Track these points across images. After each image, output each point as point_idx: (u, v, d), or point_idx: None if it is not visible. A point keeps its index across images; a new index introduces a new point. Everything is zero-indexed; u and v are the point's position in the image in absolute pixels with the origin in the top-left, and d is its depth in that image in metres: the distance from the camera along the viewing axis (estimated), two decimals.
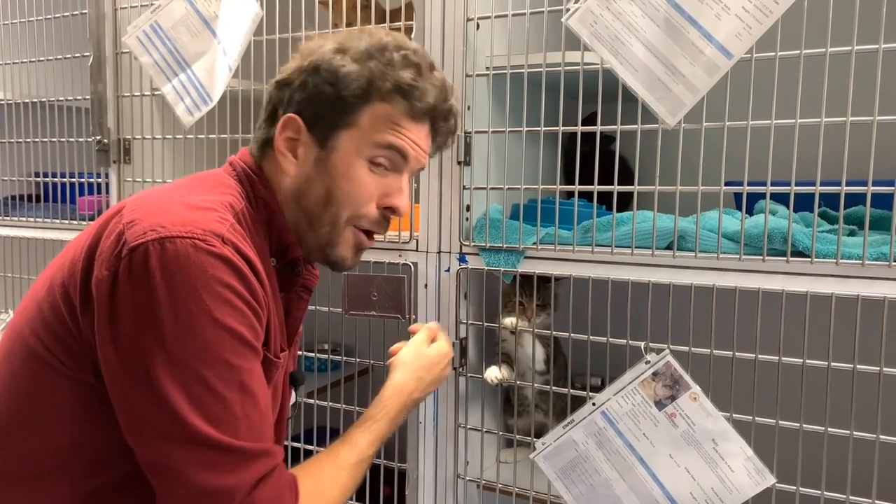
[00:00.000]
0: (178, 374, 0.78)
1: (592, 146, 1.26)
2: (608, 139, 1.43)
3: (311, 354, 1.57)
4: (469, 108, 1.33)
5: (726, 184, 1.16)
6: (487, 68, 1.34)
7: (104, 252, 0.82)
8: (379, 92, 0.92)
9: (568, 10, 1.16)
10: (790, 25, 1.06)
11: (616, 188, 1.21)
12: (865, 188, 1.04)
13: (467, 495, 1.42)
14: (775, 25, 1.05)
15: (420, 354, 1.13)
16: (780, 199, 1.22)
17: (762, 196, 1.14)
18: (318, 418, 1.53)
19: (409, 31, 1.36)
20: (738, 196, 1.41)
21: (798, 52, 1.06)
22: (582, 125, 1.24)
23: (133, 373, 0.79)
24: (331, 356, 1.57)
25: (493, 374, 1.37)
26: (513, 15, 1.26)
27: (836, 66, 1.04)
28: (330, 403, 1.50)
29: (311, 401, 1.51)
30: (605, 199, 1.34)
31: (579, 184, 1.24)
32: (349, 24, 1.60)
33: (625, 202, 1.47)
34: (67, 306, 0.85)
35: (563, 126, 1.25)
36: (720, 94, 1.10)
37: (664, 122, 1.13)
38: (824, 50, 1.05)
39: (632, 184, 1.22)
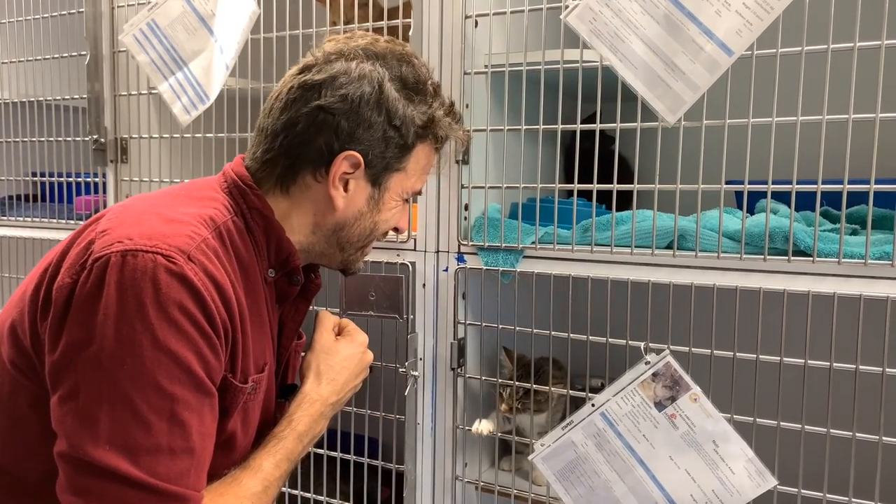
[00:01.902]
0: (106, 392, 0.74)
1: (594, 145, 1.25)
2: (609, 138, 1.42)
3: None
4: (467, 106, 1.32)
5: (727, 182, 1.15)
6: (486, 66, 1.33)
7: (71, 259, 0.81)
8: (428, 135, 0.97)
9: (567, 7, 1.15)
10: (792, 22, 1.04)
11: (615, 186, 1.19)
12: (868, 187, 1.03)
13: (465, 497, 1.41)
14: (776, 22, 1.04)
15: (330, 351, 1.05)
16: (782, 197, 1.21)
17: (764, 195, 1.13)
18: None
19: (406, 28, 1.35)
20: (739, 195, 1.40)
21: (799, 48, 1.05)
22: (583, 124, 1.23)
23: (66, 384, 0.77)
24: None
25: (485, 427, 1.37)
26: (511, 12, 1.25)
27: (838, 62, 1.03)
28: None
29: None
30: (605, 198, 1.33)
31: (580, 183, 1.23)
32: (347, 22, 1.59)
33: (625, 201, 1.46)
34: (32, 312, 0.84)
35: (562, 125, 1.24)
36: (721, 92, 1.09)
37: (664, 119, 1.12)
38: (826, 47, 1.03)
39: (632, 183, 1.21)
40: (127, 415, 0.74)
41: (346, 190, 0.94)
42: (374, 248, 1.39)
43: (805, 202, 1.20)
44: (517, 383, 1.34)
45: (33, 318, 0.84)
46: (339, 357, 1.05)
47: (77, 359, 0.76)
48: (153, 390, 0.75)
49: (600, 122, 1.23)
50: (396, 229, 1.04)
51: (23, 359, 0.85)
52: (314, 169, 0.93)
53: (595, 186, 1.23)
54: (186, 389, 0.78)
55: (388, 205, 0.98)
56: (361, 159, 0.92)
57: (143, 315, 0.75)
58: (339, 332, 1.09)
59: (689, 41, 1.09)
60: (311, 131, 0.91)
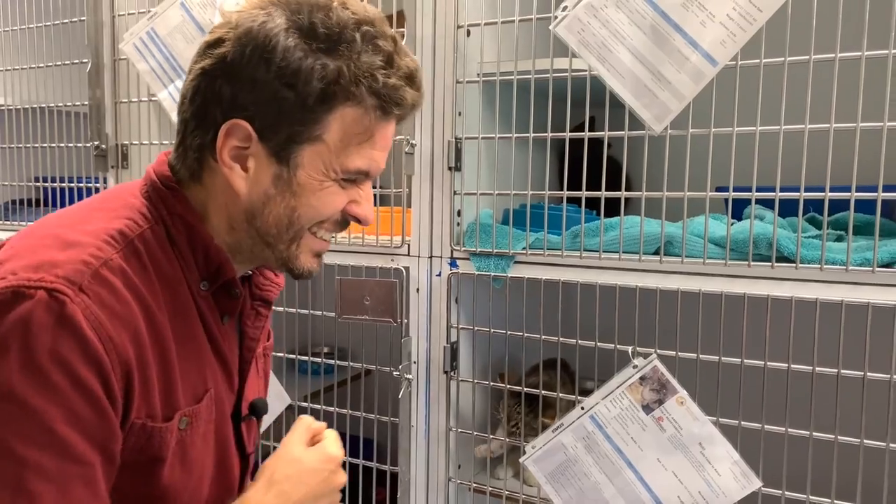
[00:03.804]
0: None
1: (588, 151, 1.27)
2: (604, 145, 1.44)
3: (305, 358, 1.58)
4: (460, 114, 1.35)
5: (717, 189, 1.17)
6: (478, 75, 1.36)
7: None
8: (347, 94, 0.76)
9: (556, 17, 1.17)
10: (775, 33, 1.07)
11: (603, 194, 1.22)
12: (848, 195, 1.05)
13: (459, 498, 1.43)
14: (759, 33, 1.06)
15: (292, 460, 0.87)
16: (771, 204, 1.23)
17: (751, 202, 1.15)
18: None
19: (400, 38, 1.37)
20: (732, 201, 1.42)
21: (782, 59, 1.07)
22: (576, 131, 1.25)
23: None
24: (324, 360, 1.58)
25: (495, 446, 1.41)
26: (502, 22, 1.28)
27: (820, 73, 1.05)
28: (323, 407, 1.51)
29: (304, 404, 1.53)
30: (600, 203, 1.34)
31: (575, 189, 1.25)
32: None
33: (618, 208, 1.47)
34: None
35: (553, 132, 1.27)
36: (707, 101, 1.11)
37: (651, 128, 1.14)
38: (808, 57, 1.06)
39: (627, 188, 1.23)
40: None
41: (244, 168, 0.79)
42: (367, 252, 1.42)
43: (794, 209, 1.22)
44: (522, 393, 1.37)
45: None
46: (300, 468, 0.86)
47: None
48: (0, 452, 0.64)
49: (594, 129, 1.25)
50: (358, 220, 0.84)
51: None
52: (211, 148, 0.78)
53: (584, 193, 1.25)
54: (45, 454, 0.65)
55: (307, 186, 0.79)
56: (249, 128, 0.76)
57: (4, 362, 0.65)
58: (314, 442, 0.91)
59: (675, 51, 1.11)
60: (197, 101, 0.78)
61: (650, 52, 1.13)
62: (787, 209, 1.16)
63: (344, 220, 0.85)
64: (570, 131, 1.24)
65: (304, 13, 0.75)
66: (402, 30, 1.36)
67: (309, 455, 0.88)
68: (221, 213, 0.82)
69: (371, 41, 0.77)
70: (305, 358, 1.58)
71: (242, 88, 0.76)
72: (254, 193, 0.79)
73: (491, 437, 1.39)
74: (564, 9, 1.17)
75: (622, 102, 1.15)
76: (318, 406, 1.52)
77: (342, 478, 0.90)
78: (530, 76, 1.26)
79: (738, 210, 1.34)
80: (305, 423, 0.92)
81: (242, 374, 0.90)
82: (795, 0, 1.04)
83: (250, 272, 0.91)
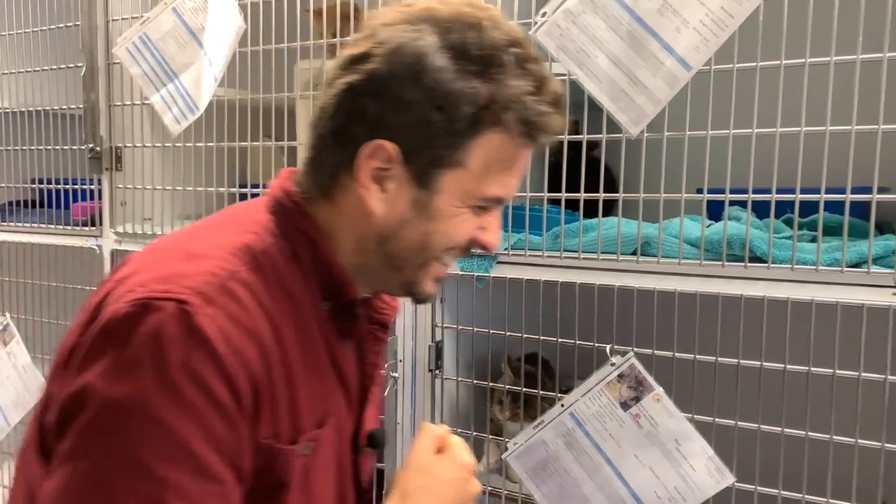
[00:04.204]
0: (81, 470, 0.63)
1: (577, 154, 1.29)
2: (591, 145, 1.46)
3: None
4: None
5: (695, 191, 1.20)
6: None
7: (84, 314, 0.71)
8: (496, 120, 0.73)
9: (536, 23, 1.20)
10: (747, 38, 1.09)
11: (582, 195, 1.24)
12: (818, 196, 1.07)
13: None
14: (732, 38, 1.09)
15: (425, 471, 0.83)
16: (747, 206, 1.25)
17: (731, 203, 1.17)
18: None
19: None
20: (710, 202, 1.45)
21: (754, 64, 1.09)
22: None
23: (54, 456, 0.66)
24: None
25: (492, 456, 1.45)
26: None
27: (791, 77, 1.08)
28: None
29: None
30: (588, 205, 1.35)
31: (565, 190, 1.27)
32: (333, 36, 1.64)
33: (607, 208, 1.49)
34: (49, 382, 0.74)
35: None
36: (683, 104, 1.14)
37: (627, 131, 1.17)
38: (779, 62, 1.08)
39: (618, 191, 1.25)
40: (97, 499, 0.62)
41: (383, 190, 0.75)
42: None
43: (770, 210, 1.24)
44: (511, 387, 1.40)
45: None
46: (435, 480, 0.82)
47: (66, 428, 0.65)
48: (137, 472, 0.62)
49: (578, 132, 1.28)
50: (484, 246, 0.82)
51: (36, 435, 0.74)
52: (349, 166, 0.75)
53: (563, 195, 1.27)
54: (184, 474, 0.63)
55: (443, 212, 0.76)
56: (394, 151, 0.73)
57: (138, 377, 0.63)
58: (441, 450, 0.86)
59: (650, 56, 1.14)
60: (339, 118, 0.75)
61: (627, 56, 1.16)
62: (765, 210, 1.18)
63: (468, 247, 0.82)
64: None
65: (455, 32, 0.72)
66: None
67: (441, 464, 0.84)
68: (350, 234, 0.79)
69: (521, 65, 0.74)
70: None
71: (389, 108, 0.73)
72: (390, 216, 0.76)
73: (490, 438, 1.42)
74: (544, 14, 1.20)
75: (599, 106, 1.17)
76: None
77: (477, 486, 0.87)
78: None
79: (717, 211, 1.36)
80: (430, 431, 0.87)
81: (362, 402, 0.85)
82: (767, 6, 1.07)
83: (367, 296, 0.87)
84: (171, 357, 0.64)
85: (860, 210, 1.18)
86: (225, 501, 0.66)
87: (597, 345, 1.23)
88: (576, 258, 1.26)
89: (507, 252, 1.32)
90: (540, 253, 1.30)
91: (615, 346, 1.21)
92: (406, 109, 0.73)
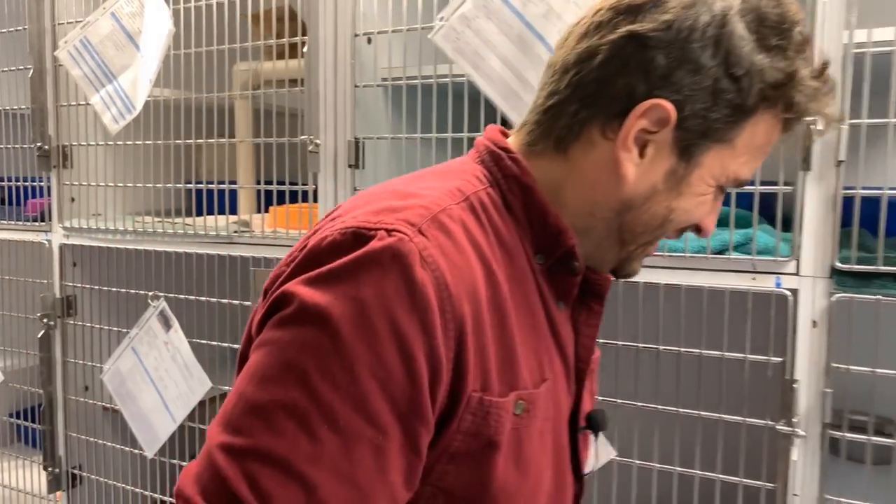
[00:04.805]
0: (251, 360, 0.62)
1: None
2: None
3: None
4: (361, 116, 1.45)
5: None
6: (384, 79, 1.46)
7: (295, 248, 0.68)
8: (776, 101, 0.68)
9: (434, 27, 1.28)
10: None
11: None
12: None
13: None
14: None
15: None
16: None
17: None
18: None
19: (304, 44, 1.48)
20: None
21: None
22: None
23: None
24: None
25: None
26: (392, 31, 1.38)
27: None
28: None
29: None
30: None
31: None
32: (277, 36, 1.72)
33: None
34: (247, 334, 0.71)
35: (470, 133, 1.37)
36: None
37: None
38: None
39: None
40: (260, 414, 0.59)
41: (641, 155, 0.68)
42: (280, 245, 1.53)
43: None
44: None
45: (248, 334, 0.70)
46: None
47: (261, 346, 0.62)
48: (294, 377, 0.59)
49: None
50: (698, 229, 0.75)
51: None
52: (605, 121, 0.68)
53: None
54: (339, 398, 0.58)
55: (694, 188, 0.69)
56: (673, 114, 0.66)
57: (334, 292, 0.59)
58: None
59: (537, 58, 1.22)
60: (613, 66, 0.67)
61: (517, 59, 1.23)
62: None
63: (686, 229, 0.75)
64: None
65: None
66: (304, 38, 1.46)
67: None
68: (582, 194, 0.71)
69: (806, 45, 0.68)
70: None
71: (682, 67, 0.65)
72: (640, 184, 0.69)
73: None
74: (442, 19, 1.27)
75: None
76: None
77: None
78: (418, 81, 1.37)
79: None
80: None
81: (580, 377, 0.78)
82: None
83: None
84: (367, 277, 0.59)
85: (767, 204, 1.26)
86: (379, 452, 0.59)
87: None
88: None
89: None
90: None
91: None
92: (698, 72, 0.65)
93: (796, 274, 1.09)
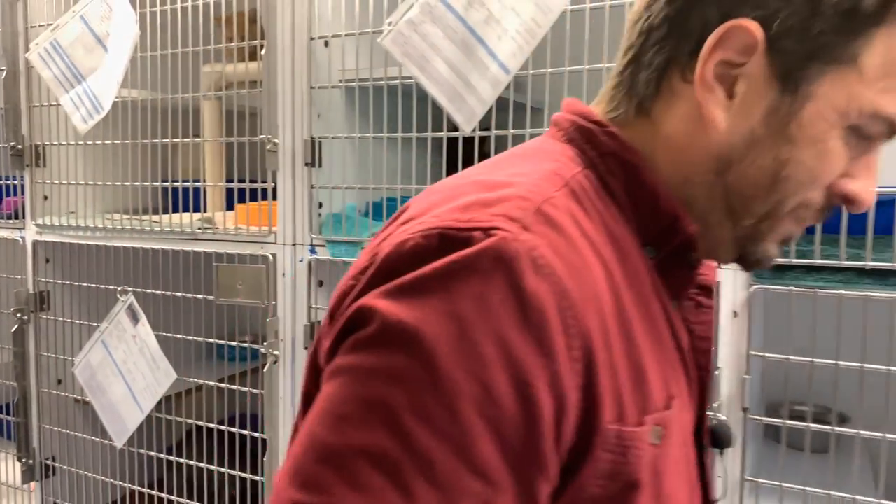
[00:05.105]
0: (324, 390, 0.50)
1: (469, 150, 1.41)
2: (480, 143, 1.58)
3: (223, 343, 1.74)
4: (319, 115, 1.50)
5: None
6: (341, 81, 1.51)
7: (361, 259, 0.56)
8: None
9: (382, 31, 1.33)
10: (559, 46, 1.23)
11: None
12: None
13: None
14: (545, 45, 1.22)
15: None
16: None
17: None
18: (240, 406, 1.70)
19: (262, 47, 1.53)
20: None
21: (563, 69, 1.23)
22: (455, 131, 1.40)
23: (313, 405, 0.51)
24: (252, 345, 1.73)
25: None
26: (346, 35, 1.44)
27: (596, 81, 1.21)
28: (229, 387, 1.67)
29: (223, 385, 1.68)
30: None
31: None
32: (243, 38, 1.77)
33: None
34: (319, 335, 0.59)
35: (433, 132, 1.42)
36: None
37: (463, 129, 1.30)
38: (583, 67, 1.22)
39: None
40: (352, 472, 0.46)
41: (730, 95, 0.56)
42: (238, 241, 1.58)
43: None
44: None
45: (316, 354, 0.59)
46: None
47: (334, 376, 0.50)
48: (379, 415, 0.47)
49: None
50: (851, 200, 0.58)
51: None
52: (684, 64, 0.57)
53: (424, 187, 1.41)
54: (438, 443, 0.46)
55: (808, 131, 0.54)
56: (759, 34, 0.53)
57: (419, 307, 0.47)
58: None
59: (479, 62, 1.27)
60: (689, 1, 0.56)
61: (461, 62, 1.29)
62: None
63: (827, 205, 0.59)
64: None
65: None
66: (263, 41, 1.52)
67: None
68: (675, 157, 0.59)
69: None
70: (223, 342, 1.74)
71: None
72: (735, 130, 0.56)
73: None
74: (390, 24, 1.33)
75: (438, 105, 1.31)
76: (239, 387, 1.67)
77: None
78: (377, 82, 1.42)
79: None
80: None
81: (703, 386, 0.66)
82: (573, 18, 1.20)
83: None
84: (465, 289, 0.47)
85: None
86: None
87: None
88: None
89: (370, 238, 1.45)
90: None
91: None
92: None
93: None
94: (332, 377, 0.50)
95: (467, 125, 1.29)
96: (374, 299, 0.49)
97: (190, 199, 1.79)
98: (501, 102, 1.30)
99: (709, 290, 0.68)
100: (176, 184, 1.70)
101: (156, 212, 1.94)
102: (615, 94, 0.62)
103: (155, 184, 1.74)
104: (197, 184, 1.69)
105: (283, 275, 1.55)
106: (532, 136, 1.27)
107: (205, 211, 1.82)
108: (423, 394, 0.46)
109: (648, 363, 0.55)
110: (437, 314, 0.47)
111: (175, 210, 1.87)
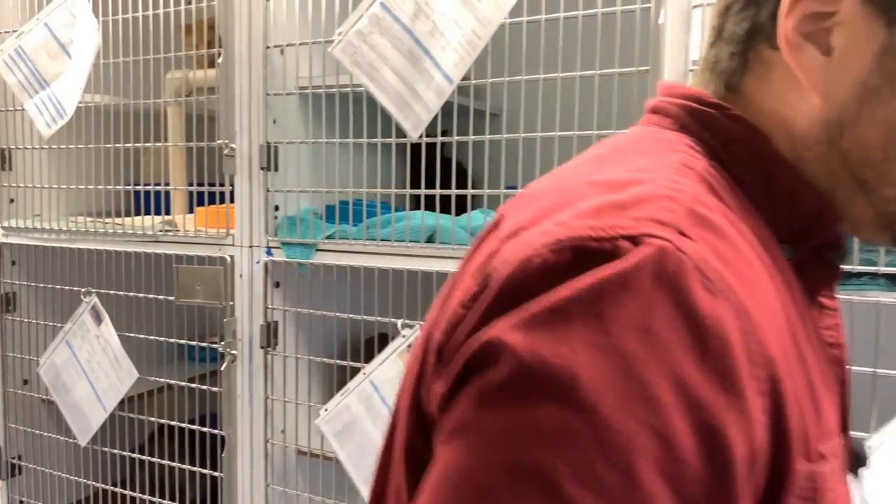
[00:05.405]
0: (453, 451, 0.41)
1: (432, 155, 1.47)
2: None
3: (184, 343, 1.78)
4: (275, 122, 1.55)
5: (506, 187, 1.37)
6: (297, 88, 1.56)
7: (461, 290, 0.46)
8: None
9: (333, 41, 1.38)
10: (499, 56, 1.29)
11: (407, 191, 1.43)
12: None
13: (284, 458, 1.63)
14: (486, 57, 1.28)
15: None
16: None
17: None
18: (209, 405, 1.73)
19: (220, 55, 1.58)
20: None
21: (502, 79, 1.29)
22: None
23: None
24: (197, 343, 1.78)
25: None
26: (300, 44, 1.49)
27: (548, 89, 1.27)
28: (197, 386, 1.71)
29: (194, 386, 1.72)
30: (443, 201, 1.45)
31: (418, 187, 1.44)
32: (208, 45, 1.81)
33: (464, 204, 1.63)
34: (419, 371, 0.49)
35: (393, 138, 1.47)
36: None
37: (410, 135, 1.35)
38: (521, 78, 1.28)
39: (463, 185, 1.42)
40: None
41: (825, 52, 0.48)
42: (197, 243, 1.62)
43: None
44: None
45: (420, 378, 0.49)
46: None
47: (459, 434, 0.40)
48: (528, 482, 0.37)
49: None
50: None
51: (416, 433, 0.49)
52: (769, 29, 0.50)
53: (393, 191, 1.46)
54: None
55: None
56: None
57: (566, 342, 0.38)
58: None
59: (425, 71, 1.33)
60: None
61: (408, 71, 1.34)
62: None
63: None
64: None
65: None
66: (220, 49, 1.56)
67: None
68: (780, 135, 0.51)
69: None
70: (194, 343, 1.78)
71: None
72: (841, 89, 0.48)
73: (311, 405, 1.60)
74: (340, 34, 1.38)
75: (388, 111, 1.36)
76: (199, 386, 1.71)
77: None
78: (329, 90, 1.47)
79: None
80: None
81: (844, 402, 0.58)
82: (511, 30, 1.26)
83: None
84: (623, 317, 0.38)
85: None
86: None
87: (392, 320, 1.41)
88: (379, 246, 1.45)
89: (325, 241, 1.50)
90: (353, 242, 1.48)
91: (406, 321, 1.40)
92: None
93: None
94: (456, 436, 0.40)
95: (414, 132, 1.34)
96: (502, 332, 0.40)
97: (153, 202, 1.84)
98: (462, 109, 1.36)
99: (834, 293, 0.58)
100: (138, 187, 1.74)
101: (126, 214, 1.98)
102: (704, 77, 0.55)
103: (118, 187, 1.78)
104: (157, 187, 1.73)
105: (241, 276, 1.60)
106: (492, 142, 1.33)
107: (168, 213, 1.87)
108: (587, 454, 0.37)
109: (818, 384, 0.47)
110: (589, 349, 0.38)
111: (139, 213, 1.91)
